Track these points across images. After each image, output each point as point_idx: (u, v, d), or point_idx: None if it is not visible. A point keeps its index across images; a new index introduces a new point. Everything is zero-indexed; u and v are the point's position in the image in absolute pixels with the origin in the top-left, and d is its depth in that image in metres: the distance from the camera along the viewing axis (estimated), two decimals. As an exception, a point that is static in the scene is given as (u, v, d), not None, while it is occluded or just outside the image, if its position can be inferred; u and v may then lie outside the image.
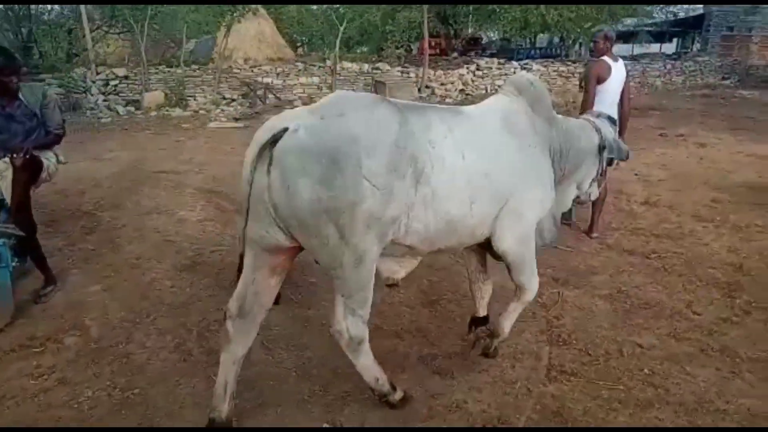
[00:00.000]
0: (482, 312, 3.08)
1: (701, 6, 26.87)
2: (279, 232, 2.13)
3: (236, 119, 12.58)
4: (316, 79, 14.73)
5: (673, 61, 20.41)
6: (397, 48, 21.32)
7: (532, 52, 27.02)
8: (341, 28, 14.92)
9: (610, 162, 3.13)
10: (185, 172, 7.84)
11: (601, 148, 2.96)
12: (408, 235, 2.28)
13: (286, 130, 2.01)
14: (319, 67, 14.94)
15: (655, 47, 28.45)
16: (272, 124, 2.11)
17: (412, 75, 15.65)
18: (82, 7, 13.30)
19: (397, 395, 2.59)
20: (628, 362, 3.05)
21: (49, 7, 15.94)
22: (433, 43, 29.36)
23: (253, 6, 16.74)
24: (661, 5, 23.16)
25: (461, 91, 15.98)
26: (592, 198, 3.35)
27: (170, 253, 4.72)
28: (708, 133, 10.44)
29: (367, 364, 2.47)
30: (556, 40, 27.44)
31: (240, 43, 15.79)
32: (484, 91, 16.34)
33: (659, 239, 4.94)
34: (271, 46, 16.49)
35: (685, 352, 3.15)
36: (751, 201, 6.00)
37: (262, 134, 2.07)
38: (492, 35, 31.86)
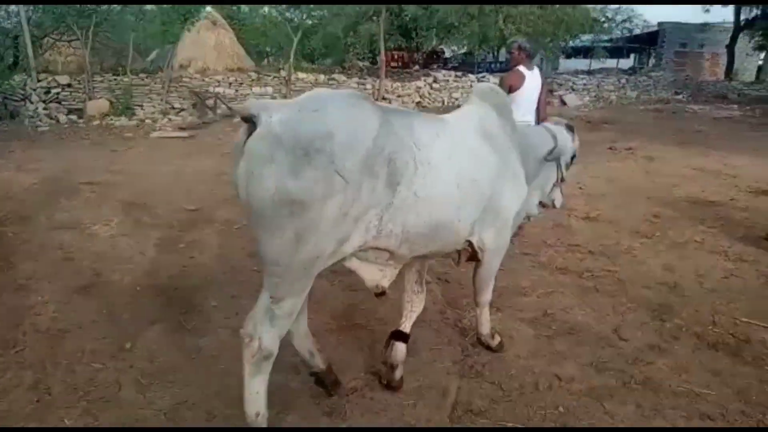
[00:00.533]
0: (406, 327, 2.85)
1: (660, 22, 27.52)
2: None
3: (182, 129, 12.10)
4: (270, 89, 14.38)
5: (628, 76, 20.69)
6: (360, 60, 21.18)
7: (492, 65, 27.25)
8: (295, 39, 14.63)
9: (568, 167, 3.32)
10: (113, 183, 7.39)
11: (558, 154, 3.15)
12: (382, 238, 2.18)
13: (257, 119, 1.93)
14: (274, 77, 14.59)
15: (612, 62, 29.00)
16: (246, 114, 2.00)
17: (368, 87, 15.41)
18: (22, 12, 12.70)
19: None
20: (542, 398, 2.76)
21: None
22: (396, 56, 29.56)
23: (209, 10, 16.39)
24: (620, 23, 23.51)
25: (418, 103, 15.81)
26: (557, 204, 3.45)
27: (66, 273, 4.29)
28: (657, 146, 10.43)
29: (258, 390, 2.15)
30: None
31: (198, 53, 15.41)
32: (440, 104, 16.22)
33: (595, 257, 4.71)
34: (230, 56, 16.08)
35: (605, 385, 2.87)
36: (693, 216, 5.86)
37: (241, 128, 2.01)
38: (455, 49, 32.16)
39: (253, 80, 14.26)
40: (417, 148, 2.18)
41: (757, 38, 23.84)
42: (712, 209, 6.17)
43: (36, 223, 5.53)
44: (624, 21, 22.83)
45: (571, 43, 28.24)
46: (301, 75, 14.91)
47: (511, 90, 4.66)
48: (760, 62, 28.49)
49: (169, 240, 5.12)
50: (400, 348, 2.77)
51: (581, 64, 29.04)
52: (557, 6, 20.70)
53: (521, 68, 4.80)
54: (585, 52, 25.69)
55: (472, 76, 17.33)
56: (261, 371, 2.11)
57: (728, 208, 6.22)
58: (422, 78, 16.73)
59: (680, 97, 20.24)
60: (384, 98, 15.25)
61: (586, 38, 24.86)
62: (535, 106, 4.86)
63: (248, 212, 1.99)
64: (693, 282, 4.19)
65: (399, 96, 15.66)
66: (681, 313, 3.66)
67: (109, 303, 3.76)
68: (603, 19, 22.06)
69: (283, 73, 14.59)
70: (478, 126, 2.61)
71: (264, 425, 2.19)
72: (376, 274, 2.38)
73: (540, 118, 4.84)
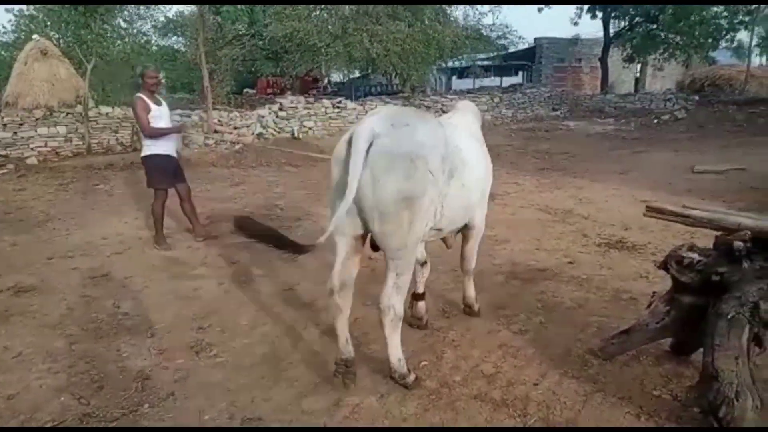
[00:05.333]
0: (420, 289, 3.55)
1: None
2: (358, 222, 2.65)
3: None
4: (62, 129, 11.56)
5: (501, 95, 19.40)
6: (223, 88, 18.71)
7: (370, 89, 25.62)
8: (89, 67, 11.97)
9: None
10: None
11: None
12: (441, 219, 2.82)
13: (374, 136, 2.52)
14: (66, 114, 11.79)
15: (496, 81, 28.16)
16: (362, 131, 2.52)
17: (195, 118, 12.91)
18: None
19: (411, 377, 2.83)
20: None
21: None
22: (270, 82, 27.22)
23: (36, 38, 13.49)
24: (494, 40, 22.42)
25: (259, 135, 13.48)
26: None
27: None
28: (511, 177, 8.65)
29: (397, 343, 2.79)
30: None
31: (28, 88, 12.40)
32: (289, 135, 13.98)
33: None
34: (67, 90, 13.19)
35: None
36: (497, 314, 3.83)
37: (359, 141, 2.48)
38: (340, 74, 30.49)
39: (37, 120, 11.38)
40: (460, 150, 2.86)
41: (627, 50, 23.48)
42: (535, 289, 4.18)
43: None
44: (498, 38, 21.70)
45: (450, 63, 27.21)
46: (105, 110, 12.21)
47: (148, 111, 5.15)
48: (637, 74, 28.56)
49: None
50: (420, 305, 3.55)
51: (463, 83, 28.04)
52: (426, 23, 19.36)
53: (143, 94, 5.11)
54: (462, 72, 24.56)
55: (326, 102, 15.23)
56: (397, 329, 2.75)
57: (558, 284, 4.25)
58: (267, 106, 14.45)
59: (557, 113, 19.20)
60: (216, 131, 12.82)
61: (463, 58, 23.88)
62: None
63: (372, 213, 2.55)
64: None
65: (236, 128, 13.26)
66: None
67: None
68: (477, 36, 20.90)
69: (78, 108, 11.82)
70: (470, 130, 3.42)
71: (404, 368, 2.82)
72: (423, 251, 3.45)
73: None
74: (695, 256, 2.54)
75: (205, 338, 3.47)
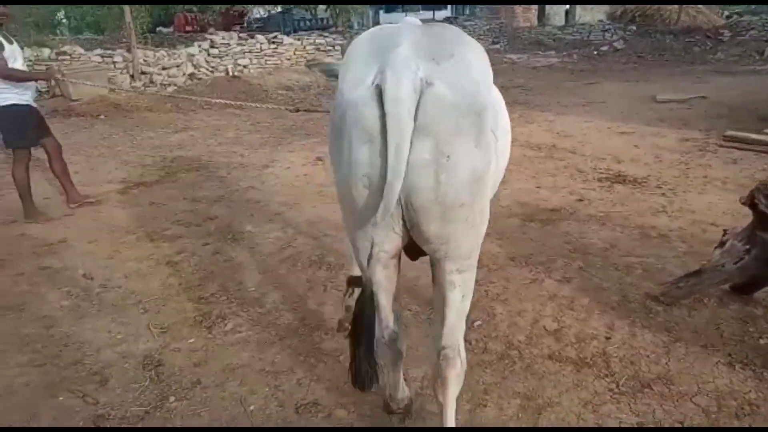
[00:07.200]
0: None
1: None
2: (397, 230, 1.56)
3: None
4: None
5: (442, 27, 18.81)
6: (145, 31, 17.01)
7: (298, 23, 24.28)
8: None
9: None
10: None
11: None
12: None
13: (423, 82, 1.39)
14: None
15: (428, 14, 27.37)
16: (402, 75, 1.36)
17: (118, 59, 11.60)
18: None
19: None
20: None
21: None
22: (188, 19, 25.12)
23: None
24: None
25: (191, 75, 12.35)
26: None
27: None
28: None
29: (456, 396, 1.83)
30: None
31: None
32: (224, 74, 12.90)
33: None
34: None
35: None
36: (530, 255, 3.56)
37: (403, 93, 1.35)
38: (261, 9, 28.59)
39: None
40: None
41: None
42: (557, 231, 3.93)
43: None
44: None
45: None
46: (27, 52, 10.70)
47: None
48: (567, 7, 28.59)
49: None
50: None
51: (396, 18, 27.07)
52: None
53: None
54: (394, 5, 23.64)
55: (261, 38, 14.13)
56: (461, 383, 1.81)
57: (579, 224, 4.02)
58: (196, 43, 13.20)
59: (498, 46, 18.90)
60: (143, 73, 11.62)
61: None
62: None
63: (431, 210, 1.47)
64: None
65: (165, 68, 12.06)
66: None
67: None
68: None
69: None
70: None
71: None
72: None
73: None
74: (793, 189, 2.31)
75: (212, 310, 2.98)
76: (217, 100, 6.60)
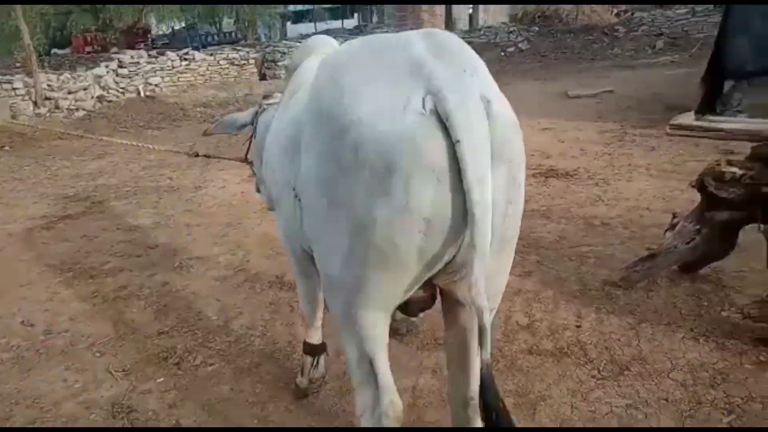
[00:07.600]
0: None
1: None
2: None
3: None
4: None
5: (348, 36, 18.96)
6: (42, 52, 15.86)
7: (205, 38, 23.65)
8: None
9: None
10: None
11: None
12: None
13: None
14: None
15: (337, 24, 27.54)
16: (467, 95, 1.19)
17: (18, 85, 10.80)
18: None
19: None
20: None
21: None
22: (89, 39, 23.77)
23: None
24: None
25: (100, 98, 11.69)
26: None
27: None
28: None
29: None
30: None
31: None
32: (135, 94, 12.31)
33: None
34: None
35: None
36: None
37: (473, 117, 1.17)
38: (163, 26, 27.56)
39: None
40: None
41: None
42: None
43: None
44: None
45: (291, 8, 25.95)
46: None
47: None
48: (470, 11, 29.62)
49: None
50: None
51: (308, 28, 27.01)
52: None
53: None
54: (301, 16, 23.57)
55: (172, 54, 13.63)
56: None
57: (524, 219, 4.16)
58: (103, 64, 12.53)
59: (409, 52, 19.22)
60: (47, 98, 10.88)
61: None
62: None
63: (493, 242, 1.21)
64: None
65: (71, 92, 11.35)
66: None
67: None
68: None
69: None
70: None
71: None
72: None
73: None
74: (736, 170, 2.50)
75: (176, 345, 2.82)
76: (110, 139, 6.29)
